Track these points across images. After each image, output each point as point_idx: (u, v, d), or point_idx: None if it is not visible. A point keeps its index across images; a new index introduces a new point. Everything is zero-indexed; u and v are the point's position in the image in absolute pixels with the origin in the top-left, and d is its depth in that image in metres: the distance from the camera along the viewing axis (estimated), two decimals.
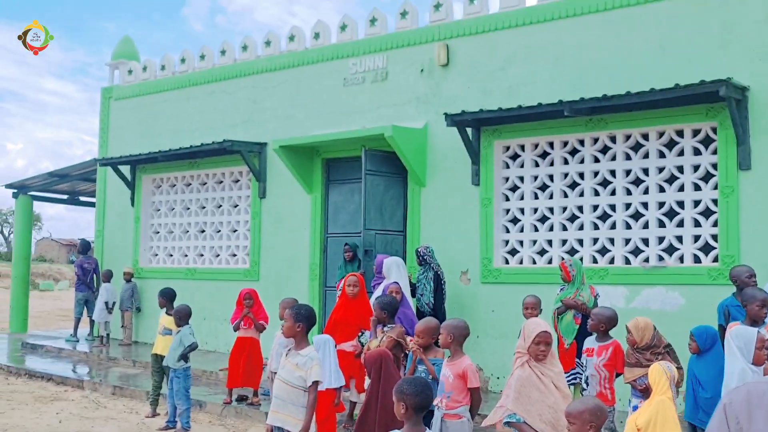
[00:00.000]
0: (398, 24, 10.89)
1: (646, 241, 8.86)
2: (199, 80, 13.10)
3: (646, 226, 8.86)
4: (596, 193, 9.23)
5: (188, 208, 13.41)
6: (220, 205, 12.95)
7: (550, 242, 9.51)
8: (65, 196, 18.06)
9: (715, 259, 8.31)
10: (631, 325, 5.63)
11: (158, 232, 13.85)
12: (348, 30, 11.39)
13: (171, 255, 13.62)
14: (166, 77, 13.73)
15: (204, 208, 13.18)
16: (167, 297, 8.42)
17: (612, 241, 9.06)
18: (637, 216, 8.96)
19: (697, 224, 8.57)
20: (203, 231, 13.18)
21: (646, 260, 8.73)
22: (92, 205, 16.22)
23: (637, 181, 9.00)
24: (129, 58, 14.58)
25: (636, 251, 8.93)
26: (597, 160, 9.24)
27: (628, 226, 8.98)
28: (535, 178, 9.66)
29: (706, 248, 8.51)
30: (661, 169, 8.82)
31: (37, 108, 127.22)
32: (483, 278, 9.71)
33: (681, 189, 8.69)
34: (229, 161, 12.46)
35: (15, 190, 16.54)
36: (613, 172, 9.12)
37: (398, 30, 10.86)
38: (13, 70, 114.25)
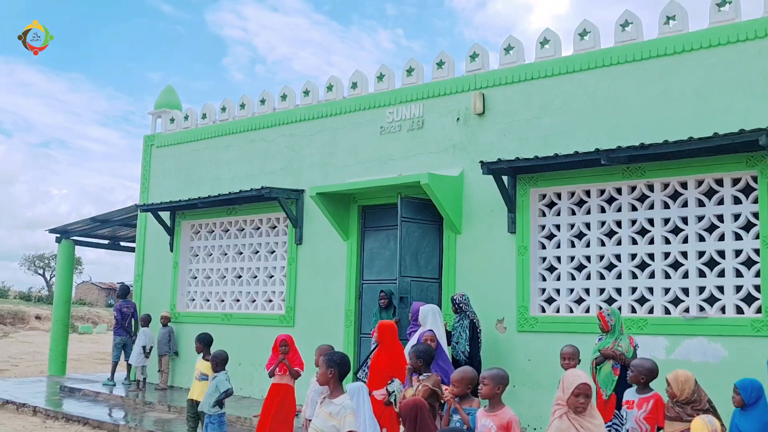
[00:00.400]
0: (434, 74, 11.03)
1: (686, 291, 8.71)
2: (238, 128, 13.35)
3: (685, 275, 8.72)
4: (634, 242, 9.14)
5: (225, 254, 13.55)
6: (257, 251, 13.06)
7: (587, 291, 9.40)
8: (106, 241, 18.38)
9: (758, 310, 8.13)
10: (670, 377, 5.51)
11: (196, 277, 13.99)
12: (385, 79, 11.57)
13: (208, 300, 13.72)
14: (207, 125, 14.02)
15: (241, 253, 13.30)
16: (204, 342, 8.47)
17: (651, 290, 8.93)
18: (676, 265, 8.83)
19: (739, 274, 8.41)
20: (240, 276, 13.27)
21: (686, 310, 8.58)
22: (132, 249, 16.49)
23: (676, 230, 8.89)
24: (171, 107, 14.94)
25: (676, 301, 8.78)
26: (635, 209, 9.17)
27: (668, 276, 8.85)
28: (572, 226, 9.61)
29: (749, 299, 8.34)
30: (700, 218, 8.72)
31: (81, 155, 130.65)
32: (519, 327, 9.61)
33: (721, 238, 8.57)
34: (267, 208, 12.60)
35: (58, 235, 16.91)
36: (651, 221, 9.03)
37: (435, 80, 10.99)
38: (60, 118, 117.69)
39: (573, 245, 9.59)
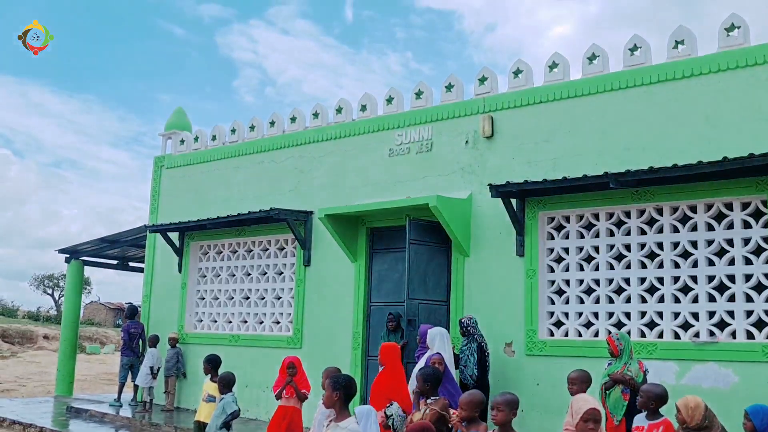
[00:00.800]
0: (443, 97, 11.08)
1: (696, 316, 8.64)
2: (248, 150, 13.41)
3: (695, 300, 8.67)
4: (643, 266, 9.10)
5: (233, 275, 13.55)
6: (265, 273, 13.06)
7: (596, 315, 9.35)
8: (115, 261, 18.44)
9: None
10: (680, 403, 5.45)
11: (204, 299, 13.98)
12: (394, 102, 11.63)
13: (215, 321, 13.71)
14: (217, 147, 14.10)
15: (249, 275, 13.30)
16: (212, 364, 8.44)
17: (660, 314, 8.87)
18: (686, 289, 8.77)
19: (750, 299, 8.34)
20: (248, 298, 13.26)
21: (697, 335, 8.50)
22: (141, 270, 16.52)
23: (686, 254, 8.85)
24: (181, 129, 15.04)
25: (686, 326, 8.71)
26: (644, 232, 9.14)
27: (677, 300, 8.80)
28: (581, 249, 9.58)
29: (760, 324, 8.26)
30: (710, 242, 8.68)
31: (92, 175, 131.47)
32: (528, 350, 9.55)
33: (731, 263, 8.52)
34: (276, 229, 12.62)
35: (67, 255, 16.97)
36: (660, 245, 8.99)
37: (443, 102, 11.04)
38: (72, 139, 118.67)
39: (582, 268, 9.55)
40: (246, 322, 13.20)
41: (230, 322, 13.46)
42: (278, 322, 12.74)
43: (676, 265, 8.86)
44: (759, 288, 8.30)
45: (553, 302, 9.70)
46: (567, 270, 9.65)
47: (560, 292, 9.69)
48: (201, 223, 13.04)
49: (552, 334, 9.60)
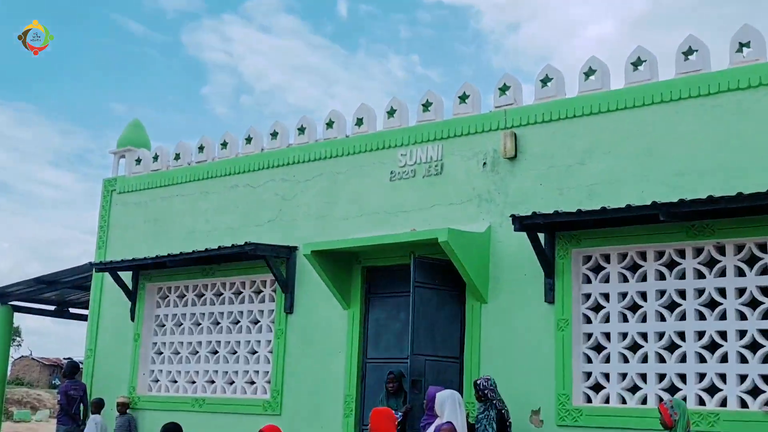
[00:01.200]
0: (456, 109, 11.13)
1: (766, 379, 8.58)
2: (219, 172, 13.44)
3: (766, 359, 8.60)
4: (701, 317, 9.05)
5: (199, 324, 13.49)
6: (238, 321, 13.01)
7: (643, 377, 9.29)
8: (52, 307, 18.34)
9: None
10: None
11: (161, 353, 13.90)
12: (397, 115, 11.68)
13: (175, 381, 13.61)
14: (181, 167, 14.13)
15: (218, 324, 13.24)
16: None
17: (723, 377, 8.81)
18: (754, 347, 8.72)
19: None
20: (216, 352, 13.19)
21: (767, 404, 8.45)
22: (84, 318, 16.41)
23: (754, 303, 8.81)
24: (138, 145, 15.06)
25: (754, 391, 8.64)
26: (701, 276, 9.11)
27: (744, 360, 8.74)
28: (624, 295, 9.54)
29: None
30: None
31: (26, 201, 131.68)
32: (559, 419, 9.48)
33: None
34: (251, 268, 12.59)
35: None
36: (722, 291, 8.96)
37: (457, 116, 11.09)
38: (2, 157, 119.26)
39: (625, 319, 9.51)
40: (213, 382, 13.11)
41: (194, 382, 13.37)
42: (253, 383, 12.65)
43: (742, 317, 8.82)
44: None
45: (590, 360, 9.63)
46: (607, 321, 9.60)
47: (599, 348, 9.64)
48: (160, 260, 12.99)
49: (589, 400, 9.53)
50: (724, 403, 8.73)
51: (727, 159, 8.92)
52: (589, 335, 9.68)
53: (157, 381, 13.85)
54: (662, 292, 9.30)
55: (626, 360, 9.42)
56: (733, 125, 8.97)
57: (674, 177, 9.19)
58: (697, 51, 9.43)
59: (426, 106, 11.44)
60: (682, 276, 9.22)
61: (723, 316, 8.91)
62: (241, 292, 13.06)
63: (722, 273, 9.00)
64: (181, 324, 13.72)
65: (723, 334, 8.89)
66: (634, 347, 9.42)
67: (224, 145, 13.65)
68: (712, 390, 8.87)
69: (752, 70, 8.97)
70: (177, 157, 14.32)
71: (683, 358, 9.08)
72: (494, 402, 9.10)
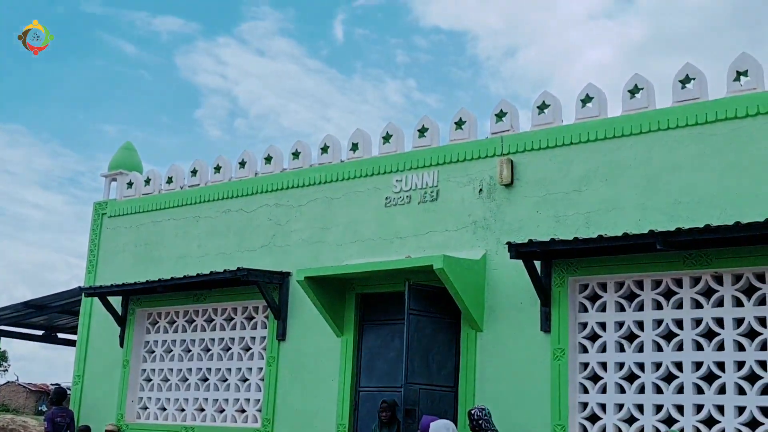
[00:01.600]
0: (453, 135, 11.20)
1: (765, 411, 8.57)
2: (212, 196, 13.47)
3: (765, 391, 8.61)
4: (699, 347, 9.06)
5: (189, 351, 13.45)
6: (229, 348, 12.97)
7: (640, 408, 9.27)
8: (40, 332, 18.30)
9: None
10: None
11: (150, 380, 13.84)
12: (393, 141, 11.74)
13: (164, 409, 13.54)
14: (173, 191, 14.15)
15: (209, 350, 13.20)
16: None
17: (721, 409, 8.80)
18: (752, 378, 8.72)
19: None
20: (206, 379, 13.14)
21: None
22: (72, 343, 16.38)
23: (752, 334, 8.82)
24: (129, 168, 15.10)
25: (752, 424, 8.63)
26: (699, 305, 9.13)
27: (742, 391, 8.73)
28: (621, 325, 9.55)
29: None
30: None
31: (15, 223, 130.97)
32: None
33: None
34: (243, 294, 12.57)
35: None
36: (719, 321, 8.98)
37: (453, 142, 11.16)
38: None
39: (622, 349, 9.51)
40: (203, 410, 13.05)
41: (183, 410, 13.31)
42: (243, 411, 12.60)
43: (740, 347, 8.82)
44: None
45: (586, 390, 9.63)
46: (604, 350, 9.61)
47: (595, 378, 9.63)
48: (150, 285, 12.97)
49: (585, 431, 9.49)
50: None
51: (725, 188, 8.97)
52: (586, 365, 9.68)
53: (146, 408, 13.78)
54: (659, 322, 9.32)
55: (623, 390, 9.41)
56: (731, 154, 9.03)
57: (672, 205, 9.24)
58: (694, 79, 9.52)
59: (422, 131, 11.51)
60: (680, 305, 9.23)
61: (721, 347, 8.92)
62: (233, 319, 13.03)
63: (720, 303, 9.01)
64: (171, 350, 13.68)
65: (721, 365, 8.89)
66: (631, 377, 9.41)
67: (217, 169, 13.70)
68: (710, 422, 8.86)
69: (750, 98, 9.04)
70: (169, 180, 14.36)
71: (681, 389, 9.06)
72: None
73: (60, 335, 18.55)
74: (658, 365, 9.26)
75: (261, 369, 12.43)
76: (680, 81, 9.59)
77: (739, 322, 8.89)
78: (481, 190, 10.68)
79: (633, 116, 9.77)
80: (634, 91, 9.90)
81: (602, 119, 10.04)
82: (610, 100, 10.23)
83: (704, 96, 9.43)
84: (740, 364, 8.78)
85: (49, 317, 17.43)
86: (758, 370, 8.65)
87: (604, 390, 9.53)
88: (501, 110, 10.89)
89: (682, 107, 9.46)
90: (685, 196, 9.20)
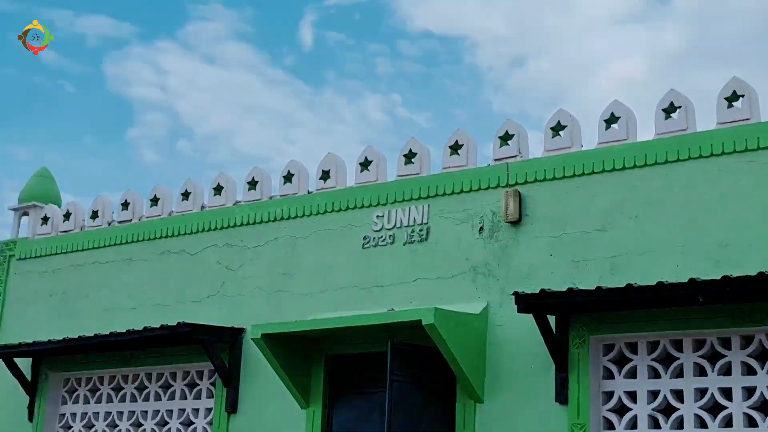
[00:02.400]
0: (446, 161, 11.22)
1: None
2: (147, 234, 13.42)
3: None
4: (752, 423, 8.95)
5: (116, 426, 13.28)
6: (166, 423, 12.83)
7: None
8: None
9: None
10: None
11: None
12: (373, 168, 11.73)
13: None
14: (99, 228, 14.11)
15: (140, 426, 13.03)
16: None
17: None
18: None
19: None
20: None
21: None
22: None
23: None
24: (45, 200, 15.05)
25: None
26: (752, 371, 9.07)
27: None
28: (655, 395, 9.48)
29: None
30: None
31: None
32: None
33: None
34: (185, 356, 12.45)
35: None
36: None
37: (447, 170, 11.16)
38: None
39: (656, 425, 9.41)
40: None
41: None
42: None
43: None
44: None
45: None
46: (634, 426, 9.51)
47: None
48: (68, 344, 12.82)
49: None
50: None
51: None
52: None
53: None
54: (702, 392, 9.22)
55: None
56: None
57: (716, 248, 9.20)
58: (743, 96, 9.54)
59: (409, 157, 11.48)
60: (728, 371, 9.16)
61: None
62: (171, 386, 12.90)
63: None
64: (93, 425, 13.50)
65: None
66: None
67: (155, 201, 13.64)
68: None
69: None
70: (94, 215, 14.29)
71: None
72: None
73: None
74: None
75: None
76: (726, 98, 9.61)
77: None
78: (481, 228, 10.63)
79: (668, 140, 9.77)
80: (669, 110, 9.93)
81: (630, 143, 10.05)
82: (640, 121, 10.27)
83: (755, 117, 9.45)
84: None
85: None
86: None
87: None
88: (506, 132, 10.89)
89: (728, 130, 9.47)
90: (733, 237, 9.16)
